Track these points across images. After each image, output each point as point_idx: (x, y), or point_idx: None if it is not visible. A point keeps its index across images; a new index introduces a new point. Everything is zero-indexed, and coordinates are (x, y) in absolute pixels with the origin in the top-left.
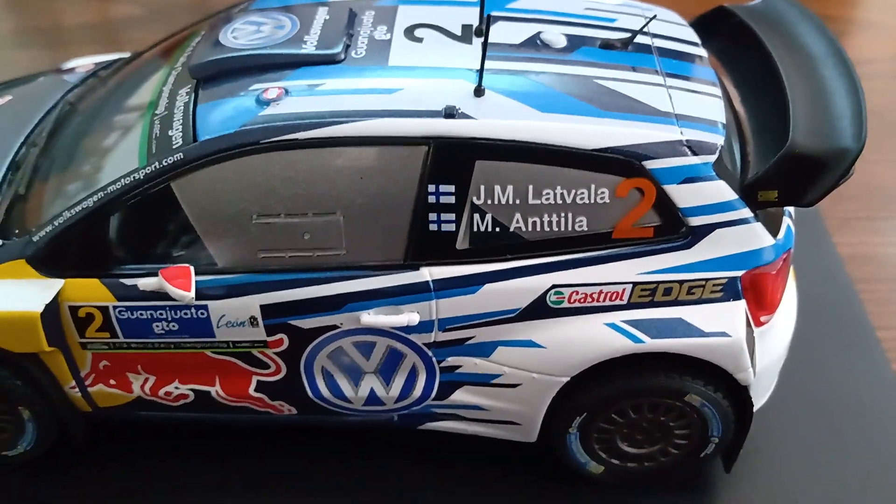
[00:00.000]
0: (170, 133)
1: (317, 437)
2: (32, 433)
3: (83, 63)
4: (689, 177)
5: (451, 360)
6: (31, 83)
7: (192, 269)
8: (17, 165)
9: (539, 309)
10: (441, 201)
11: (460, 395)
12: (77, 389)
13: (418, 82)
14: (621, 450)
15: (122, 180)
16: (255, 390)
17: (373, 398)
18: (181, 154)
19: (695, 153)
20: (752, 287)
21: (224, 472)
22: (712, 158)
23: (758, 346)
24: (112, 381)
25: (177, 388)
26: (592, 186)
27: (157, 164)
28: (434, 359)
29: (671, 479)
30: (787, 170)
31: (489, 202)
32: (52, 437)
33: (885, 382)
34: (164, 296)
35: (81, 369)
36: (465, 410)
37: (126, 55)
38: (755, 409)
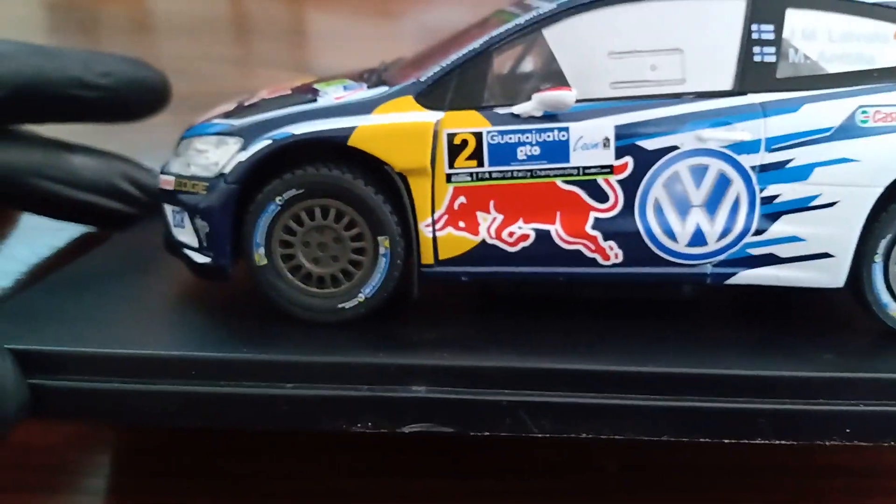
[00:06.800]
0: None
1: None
2: (382, 272)
3: None
4: None
5: (771, 189)
6: None
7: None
8: None
9: (849, 127)
10: (763, 37)
11: (779, 227)
12: (430, 229)
13: None
14: None
15: (504, 28)
16: (592, 227)
17: (697, 236)
18: (555, 6)
19: None
20: None
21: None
22: None
23: None
24: (461, 224)
25: (520, 227)
26: (876, 30)
27: (535, 13)
28: (757, 186)
29: None
30: None
31: (800, 41)
32: (391, 286)
33: None
34: (533, 120)
35: (438, 208)
36: (781, 246)
37: None
38: None
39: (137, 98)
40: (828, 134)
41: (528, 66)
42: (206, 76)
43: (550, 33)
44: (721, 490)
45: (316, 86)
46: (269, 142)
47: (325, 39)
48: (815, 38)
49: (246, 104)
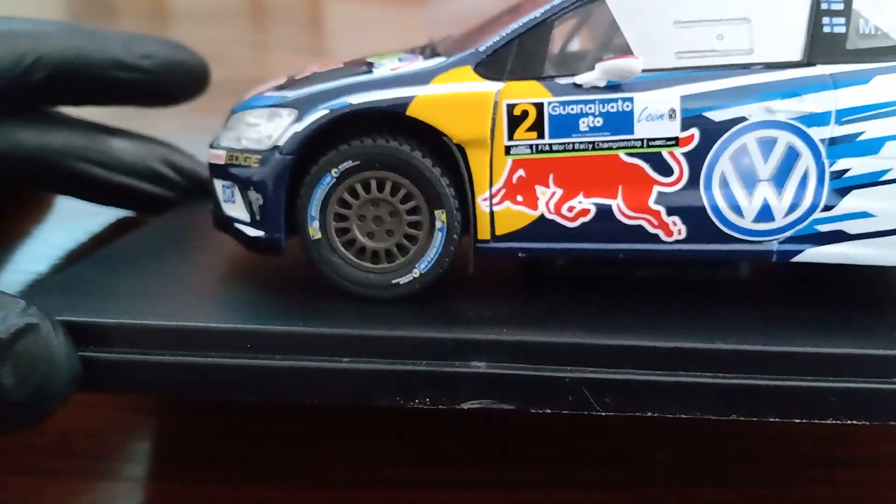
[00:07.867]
0: None
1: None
2: (437, 247)
3: None
4: None
5: (841, 163)
6: None
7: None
8: None
9: None
10: (832, 8)
11: (849, 202)
12: (487, 203)
13: None
14: None
15: None
16: (655, 202)
17: (764, 211)
18: None
19: None
20: None
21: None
22: None
23: None
24: (519, 198)
25: (580, 202)
26: None
27: None
28: (826, 160)
29: None
30: None
31: (870, 11)
32: (446, 262)
33: None
34: (596, 90)
35: (496, 181)
36: (850, 222)
37: None
38: None
39: (177, 81)
40: None
41: (589, 35)
42: (237, 62)
43: (614, 1)
44: (770, 481)
45: (370, 59)
46: (327, 111)
47: (348, 27)
48: (885, 8)
49: (298, 77)
